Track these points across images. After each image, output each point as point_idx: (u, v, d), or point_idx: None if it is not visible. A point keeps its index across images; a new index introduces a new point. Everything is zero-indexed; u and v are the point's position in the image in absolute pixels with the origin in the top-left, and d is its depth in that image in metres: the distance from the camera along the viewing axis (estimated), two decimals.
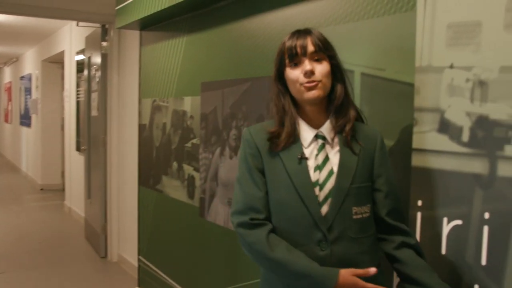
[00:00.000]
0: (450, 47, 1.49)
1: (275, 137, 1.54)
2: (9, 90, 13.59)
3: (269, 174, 1.55)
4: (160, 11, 3.03)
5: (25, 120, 10.89)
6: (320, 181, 1.49)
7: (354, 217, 1.49)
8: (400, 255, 1.51)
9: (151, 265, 3.71)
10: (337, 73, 1.53)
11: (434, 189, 1.55)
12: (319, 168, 1.50)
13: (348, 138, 1.51)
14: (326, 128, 1.54)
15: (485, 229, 1.41)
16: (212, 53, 2.82)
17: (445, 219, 1.52)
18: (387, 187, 1.54)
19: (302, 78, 1.48)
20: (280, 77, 1.56)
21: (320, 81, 1.48)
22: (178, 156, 3.27)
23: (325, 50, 1.49)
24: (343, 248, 1.47)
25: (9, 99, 13.52)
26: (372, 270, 1.41)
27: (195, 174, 3.06)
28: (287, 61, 1.51)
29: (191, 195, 3.12)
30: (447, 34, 1.50)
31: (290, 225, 1.50)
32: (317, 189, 1.48)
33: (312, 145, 1.53)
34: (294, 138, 1.53)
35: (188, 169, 3.15)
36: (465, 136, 1.45)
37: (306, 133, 1.54)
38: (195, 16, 2.99)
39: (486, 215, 1.40)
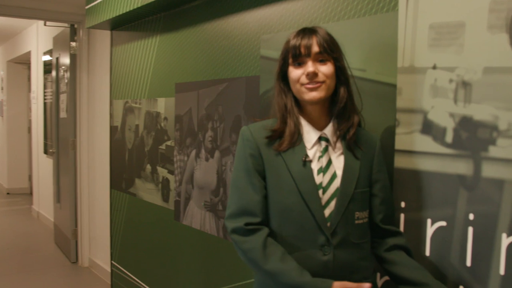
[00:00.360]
0: (433, 48, 1.48)
1: (277, 136, 1.51)
2: None
3: (271, 176, 1.50)
4: (132, 11, 2.96)
5: None
6: (324, 184, 1.46)
7: (357, 222, 1.47)
8: (391, 257, 1.51)
9: (124, 270, 3.62)
10: (341, 75, 1.49)
11: (418, 191, 1.54)
12: (323, 171, 1.47)
13: (352, 143, 1.50)
14: (329, 130, 1.51)
15: (470, 230, 1.40)
16: (186, 54, 2.77)
17: (429, 221, 1.51)
18: (383, 193, 1.54)
19: (304, 79, 1.45)
20: (283, 75, 1.52)
21: (323, 82, 1.45)
22: (152, 158, 3.20)
23: (330, 52, 1.45)
24: (345, 253, 1.45)
25: None
26: (366, 286, 1.38)
27: (170, 176, 3.00)
28: (290, 60, 1.48)
29: (165, 198, 3.06)
30: (429, 35, 1.49)
31: (293, 229, 1.47)
32: (320, 192, 1.46)
33: (316, 147, 1.50)
34: (298, 138, 1.49)
35: (162, 171, 3.09)
36: (449, 137, 1.44)
37: (310, 134, 1.50)
38: (169, 15, 2.93)
39: (471, 216, 1.40)
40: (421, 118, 1.52)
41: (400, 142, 1.58)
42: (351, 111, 1.51)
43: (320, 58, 1.45)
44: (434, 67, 1.47)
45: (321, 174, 1.46)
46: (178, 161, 2.91)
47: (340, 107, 1.49)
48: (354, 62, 1.74)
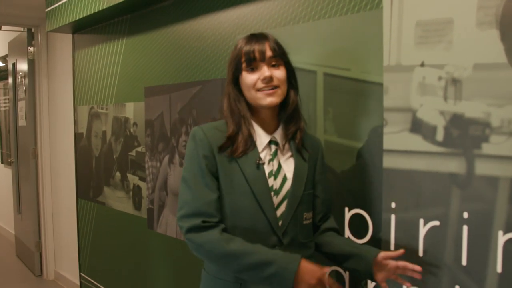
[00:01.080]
0: (420, 46, 1.46)
1: (231, 142, 1.49)
2: None
3: (224, 178, 1.48)
4: (96, 13, 2.85)
5: None
6: (276, 187, 1.49)
7: (305, 222, 1.54)
8: (324, 239, 1.60)
9: (94, 282, 3.50)
10: (292, 79, 1.52)
11: (408, 191, 1.51)
12: (273, 174, 1.49)
13: (299, 145, 1.54)
14: (279, 134, 1.53)
15: (465, 228, 1.38)
16: (155, 56, 2.68)
17: (421, 221, 1.49)
18: (325, 194, 1.62)
19: (259, 84, 1.45)
20: (235, 81, 1.51)
21: (278, 86, 1.46)
22: (121, 165, 3.09)
23: (282, 56, 1.48)
24: (294, 252, 1.44)
25: None
26: (326, 269, 1.41)
27: (141, 184, 2.90)
28: (244, 65, 1.47)
29: (137, 206, 2.96)
30: (416, 32, 1.46)
31: (246, 230, 1.47)
32: (271, 195, 1.48)
33: (266, 151, 1.52)
34: (251, 143, 1.50)
35: (133, 179, 2.98)
36: (440, 136, 1.42)
37: (261, 138, 1.52)
38: (135, 17, 2.83)
39: (465, 215, 1.38)
40: (409, 116, 1.49)
41: (389, 142, 1.55)
42: (300, 114, 1.55)
43: (273, 63, 1.47)
44: (422, 65, 1.45)
45: (272, 178, 1.49)
46: (150, 168, 2.82)
47: (290, 111, 1.51)
48: (338, 61, 1.71)
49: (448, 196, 1.42)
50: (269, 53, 1.45)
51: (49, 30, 3.43)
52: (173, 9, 2.53)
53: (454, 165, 1.40)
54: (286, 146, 1.53)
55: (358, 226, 1.69)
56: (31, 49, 4.57)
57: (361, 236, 1.69)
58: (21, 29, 4.69)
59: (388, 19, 1.53)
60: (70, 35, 3.60)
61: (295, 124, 1.53)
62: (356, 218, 1.70)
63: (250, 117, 1.51)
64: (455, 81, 1.38)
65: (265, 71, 1.44)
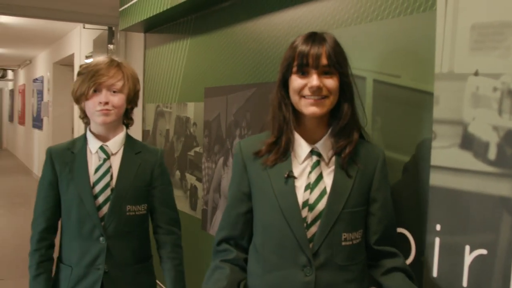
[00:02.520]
0: (475, 52, 1.30)
1: (267, 150, 1.43)
2: (23, 92, 13.59)
3: (256, 192, 1.45)
4: (163, 12, 2.88)
5: (37, 122, 10.85)
6: (311, 201, 1.37)
7: (343, 243, 1.37)
8: (388, 282, 1.40)
9: None
10: (346, 91, 1.39)
11: (455, 213, 1.36)
12: (310, 187, 1.38)
13: (346, 160, 1.39)
14: (323, 145, 1.41)
15: None
16: (215, 57, 2.66)
17: (467, 247, 1.33)
18: (382, 212, 1.44)
19: (306, 91, 1.35)
20: (284, 82, 1.42)
21: (326, 96, 1.35)
22: (181, 165, 3.11)
23: (338, 66, 1.35)
24: (329, 275, 1.35)
25: (23, 102, 13.52)
26: None
27: (198, 184, 2.89)
28: (295, 68, 1.37)
29: (193, 206, 2.96)
30: (471, 37, 1.31)
31: (275, 248, 1.40)
32: (305, 210, 1.37)
33: (306, 162, 1.41)
34: (287, 153, 1.41)
35: (190, 178, 2.99)
36: (492, 154, 1.26)
37: (301, 148, 1.42)
38: (199, 17, 2.83)
39: None
40: (460, 130, 1.34)
41: (437, 157, 1.40)
42: (353, 128, 1.41)
43: (326, 71, 1.35)
44: (476, 74, 1.30)
45: (308, 191, 1.37)
46: (206, 169, 2.81)
47: (342, 125, 1.39)
48: (388, 67, 1.58)
49: (498, 222, 1.25)
50: (324, 61, 1.34)
51: (122, 29, 3.53)
52: (232, 10, 2.49)
53: (506, 188, 1.23)
54: (332, 158, 1.41)
55: (401, 246, 1.55)
56: (110, 46, 4.74)
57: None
58: (104, 27, 4.89)
59: (442, 22, 1.39)
60: (143, 34, 3.68)
61: (346, 138, 1.40)
62: (398, 237, 1.56)
63: (293, 124, 1.41)
64: (511, 93, 1.22)
65: (314, 79, 1.33)
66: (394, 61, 1.55)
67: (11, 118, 16.16)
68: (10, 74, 15.83)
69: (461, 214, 1.35)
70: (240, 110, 2.45)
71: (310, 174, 1.39)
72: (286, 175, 1.38)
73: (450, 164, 1.37)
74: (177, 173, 3.15)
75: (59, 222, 1.84)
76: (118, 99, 1.73)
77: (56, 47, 8.64)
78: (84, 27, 5.05)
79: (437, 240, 1.41)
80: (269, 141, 1.44)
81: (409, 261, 1.53)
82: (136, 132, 4.50)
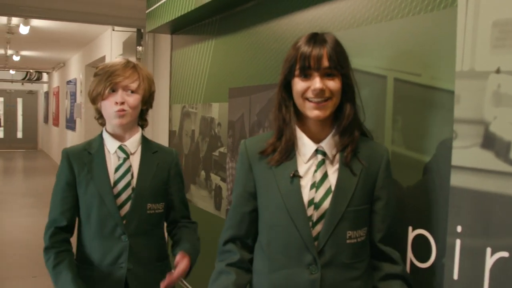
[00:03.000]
0: (496, 49, 1.27)
1: (271, 150, 1.44)
2: (57, 94, 13.90)
3: (262, 192, 1.46)
4: (188, 13, 2.90)
5: (70, 124, 11.09)
6: (316, 199, 1.39)
7: (348, 241, 1.38)
8: None
9: None
10: (348, 91, 1.40)
11: (477, 214, 1.33)
12: (315, 186, 1.39)
13: (349, 158, 1.40)
14: (327, 143, 1.42)
15: None
16: (239, 57, 2.67)
17: (488, 250, 1.30)
18: (386, 210, 1.45)
19: (309, 93, 1.36)
20: (286, 84, 1.43)
21: (329, 98, 1.36)
22: (206, 165, 3.12)
23: (340, 68, 1.36)
24: (334, 273, 1.36)
25: (57, 103, 13.83)
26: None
27: (222, 184, 2.91)
28: (297, 71, 1.38)
29: (218, 206, 2.97)
30: (492, 34, 1.28)
31: (281, 247, 1.42)
32: (311, 209, 1.38)
33: (311, 161, 1.42)
34: (291, 152, 1.42)
35: (215, 178, 3.00)
36: None
37: (306, 147, 1.43)
38: (223, 18, 2.85)
39: None
40: (482, 130, 1.31)
41: (458, 157, 1.37)
42: (355, 127, 1.42)
43: (328, 72, 1.35)
44: (498, 71, 1.26)
45: (314, 190, 1.38)
46: (230, 169, 2.81)
47: (345, 125, 1.39)
48: (409, 65, 1.55)
49: None
50: (325, 63, 1.35)
51: (149, 30, 3.57)
52: (255, 10, 2.50)
53: None
54: (337, 156, 1.42)
55: (421, 248, 1.52)
56: (139, 48, 4.81)
57: (424, 260, 1.52)
58: (133, 29, 4.96)
59: (462, 19, 1.35)
60: (170, 36, 3.72)
61: (349, 136, 1.41)
62: (419, 238, 1.54)
63: (295, 124, 1.43)
64: None
65: (317, 82, 1.34)
66: (414, 60, 1.53)
67: (46, 120, 16.56)
68: (45, 76, 16.22)
69: (482, 216, 1.31)
70: (262, 110, 2.45)
71: (316, 173, 1.40)
72: (291, 175, 1.39)
73: (471, 164, 1.34)
74: (202, 173, 3.17)
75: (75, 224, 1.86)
76: (133, 100, 1.75)
77: (88, 49, 8.81)
78: (113, 30, 5.12)
79: (458, 242, 1.38)
80: (270, 141, 1.46)
81: (429, 263, 1.50)
82: (162, 132, 4.56)
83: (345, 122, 1.40)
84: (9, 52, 10.29)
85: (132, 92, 1.76)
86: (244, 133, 2.62)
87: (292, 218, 1.38)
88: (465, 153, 1.35)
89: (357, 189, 1.40)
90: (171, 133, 3.72)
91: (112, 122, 1.77)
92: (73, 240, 1.85)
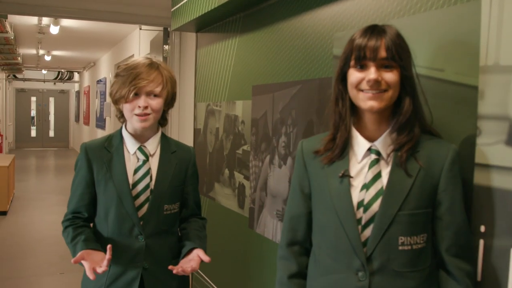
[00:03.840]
0: None
1: (324, 150, 1.40)
2: (87, 93, 14.14)
3: (314, 191, 1.43)
4: (212, 11, 2.90)
5: (100, 122, 11.26)
6: (366, 201, 1.31)
7: (400, 248, 1.28)
8: None
9: (202, 274, 3.59)
10: (407, 85, 1.32)
11: (501, 213, 1.29)
12: (366, 186, 1.32)
13: (404, 158, 1.30)
14: (382, 142, 1.34)
15: None
16: (262, 55, 2.65)
17: None
18: (450, 216, 1.32)
19: (364, 85, 1.30)
20: (342, 77, 1.37)
21: (385, 90, 1.29)
22: (230, 163, 3.12)
23: (398, 59, 1.28)
24: (384, 281, 1.27)
25: (88, 102, 14.07)
26: None
27: (246, 182, 2.90)
28: (353, 62, 1.32)
29: (241, 204, 2.96)
30: None
31: (329, 250, 1.37)
32: (360, 211, 1.31)
33: (365, 160, 1.35)
34: (345, 151, 1.36)
35: (239, 177, 3.00)
36: None
37: (360, 146, 1.36)
38: (247, 15, 2.84)
39: None
40: (506, 126, 1.27)
41: (481, 154, 1.33)
42: (414, 124, 1.32)
43: (386, 64, 1.28)
44: None
45: (364, 191, 1.30)
46: (253, 167, 2.80)
47: (403, 121, 1.31)
48: (431, 60, 1.52)
49: None
50: (382, 53, 1.28)
51: (174, 29, 3.59)
52: (278, 7, 2.48)
53: None
54: (392, 156, 1.34)
55: None
56: (166, 47, 4.84)
57: None
58: (160, 28, 5.00)
59: (487, 12, 1.31)
60: (195, 34, 3.73)
61: (407, 135, 1.32)
62: None
63: (350, 121, 1.36)
64: None
65: (372, 72, 1.28)
66: (437, 54, 1.49)
67: (77, 119, 16.87)
68: (76, 76, 16.51)
69: (506, 215, 1.27)
70: (285, 107, 2.43)
71: (368, 173, 1.34)
72: (340, 174, 1.34)
73: (496, 162, 1.30)
74: (226, 171, 3.17)
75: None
76: (156, 103, 1.75)
77: (117, 49, 8.93)
78: (140, 29, 5.17)
79: (481, 242, 1.34)
80: (326, 139, 1.41)
81: None
82: (188, 130, 4.59)
83: (402, 118, 1.32)
84: (41, 52, 10.51)
85: (155, 96, 1.75)
86: (267, 130, 2.61)
87: (341, 220, 1.33)
88: (489, 150, 1.31)
89: (412, 191, 1.30)
90: (196, 131, 3.74)
91: (134, 125, 1.78)
92: None
